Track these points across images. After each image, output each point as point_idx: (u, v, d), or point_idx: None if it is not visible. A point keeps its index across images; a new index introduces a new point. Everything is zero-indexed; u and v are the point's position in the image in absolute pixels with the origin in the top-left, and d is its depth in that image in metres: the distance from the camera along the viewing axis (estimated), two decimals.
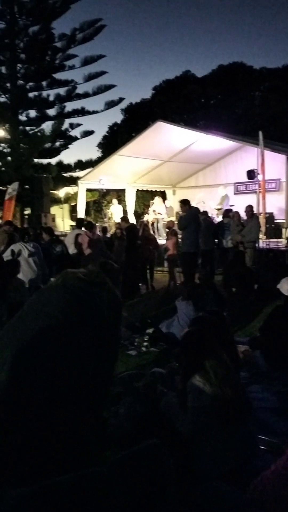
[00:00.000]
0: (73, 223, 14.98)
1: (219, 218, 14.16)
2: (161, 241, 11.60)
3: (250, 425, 2.57)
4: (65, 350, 1.85)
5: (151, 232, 11.49)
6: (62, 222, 19.03)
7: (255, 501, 1.31)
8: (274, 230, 12.90)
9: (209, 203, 15.49)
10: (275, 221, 13.35)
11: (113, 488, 1.13)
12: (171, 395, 2.87)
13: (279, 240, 12.53)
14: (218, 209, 14.26)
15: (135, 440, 1.90)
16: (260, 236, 10.68)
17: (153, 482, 1.18)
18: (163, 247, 10.42)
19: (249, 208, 10.02)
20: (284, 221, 12.74)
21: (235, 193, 16.31)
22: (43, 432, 1.83)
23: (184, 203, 8.99)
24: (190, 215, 8.82)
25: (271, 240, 11.82)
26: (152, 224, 13.95)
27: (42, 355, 1.84)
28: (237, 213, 10.70)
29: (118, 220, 15.91)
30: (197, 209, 9.58)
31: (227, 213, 11.56)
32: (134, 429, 2.66)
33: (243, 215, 10.41)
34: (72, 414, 1.89)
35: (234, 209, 12.82)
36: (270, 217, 13.01)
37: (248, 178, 12.48)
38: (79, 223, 9.93)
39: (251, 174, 12.19)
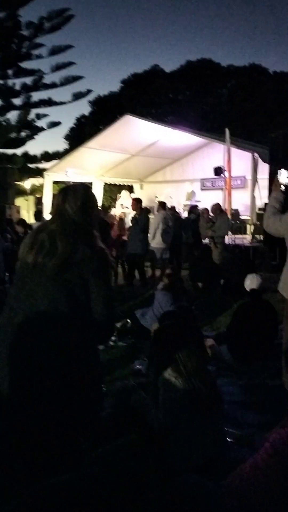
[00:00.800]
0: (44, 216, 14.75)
1: (185, 214, 14.33)
2: None
3: (220, 418, 2.62)
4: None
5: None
6: (28, 214, 18.71)
7: (233, 493, 1.35)
8: (239, 226, 13.15)
9: (177, 198, 15.63)
10: (240, 217, 13.61)
11: (93, 485, 1.13)
12: (140, 391, 2.89)
13: (244, 236, 12.79)
14: (186, 205, 14.41)
15: (107, 438, 1.91)
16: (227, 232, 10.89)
17: (133, 477, 1.19)
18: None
19: (217, 206, 10.17)
20: (249, 217, 13.01)
21: (201, 189, 16.50)
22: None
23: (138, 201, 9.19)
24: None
25: (237, 236, 12.04)
26: (120, 218, 13.89)
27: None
28: (206, 209, 10.83)
29: None
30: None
31: (193, 209, 11.70)
32: (105, 427, 2.66)
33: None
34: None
35: (201, 205, 12.98)
36: (235, 214, 13.25)
37: (215, 175, 12.65)
38: (38, 215, 9.88)
39: (217, 170, 12.36)
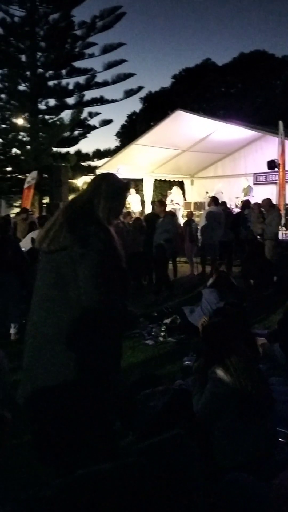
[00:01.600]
0: None
1: (237, 209, 14.05)
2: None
3: (271, 418, 2.55)
4: None
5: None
6: None
7: (282, 493, 1.31)
8: None
9: (229, 194, 15.36)
10: None
11: (139, 478, 1.14)
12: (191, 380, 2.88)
13: None
14: (243, 201, 14.09)
15: (154, 432, 1.92)
16: (280, 228, 10.55)
17: (179, 471, 1.19)
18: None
19: (268, 201, 9.85)
20: None
21: (254, 184, 16.09)
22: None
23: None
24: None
25: None
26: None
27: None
28: (257, 204, 10.57)
29: (136, 209, 15.94)
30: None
31: (247, 204, 11.43)
32: (153, 421, 2.68)
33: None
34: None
35: (254, 200, 12.68)
36: None
37: (269, 168, 12.30)
38: None
39: (271, 164, 12.01)
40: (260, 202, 10.41)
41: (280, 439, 2.82)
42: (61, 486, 1.15)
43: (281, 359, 4.32)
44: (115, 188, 2.19)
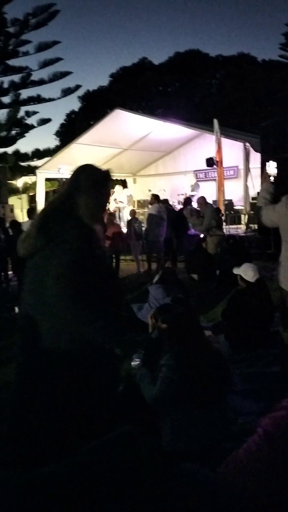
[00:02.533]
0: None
1: (180, 206, 14.32)
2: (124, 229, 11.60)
3: (226, 406, 2.64)
4: None
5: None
6: (21, 212, 18.65)
7: (228, 479, 1.37)
8: (233, 216, 13.17)
9: (170, 191, 15.61)
10: (234, 207, 13.62)
11: (89, 475, 1.16)
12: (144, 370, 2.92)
13: (239, 226, 12.81)
14: (192, 196, 14.34)
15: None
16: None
17: (127, 468, 1.21)
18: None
19: (202, 200, 10.09)
20: (243, 207, 13.03)
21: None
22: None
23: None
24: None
25: (231, 226, 12.06)
26: (114, 212, 13.88)
27: None
28: (187, 200, 10.86)
29: None
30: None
31: (189, 200, 11.66)
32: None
33: None
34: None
35: (197, 196, 12.98)
36: (229, 204, 13.26)
37: (207, 166, 12.64)
38: (30, 213, 9.90)
39: (209, 161, 12.35)
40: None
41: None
42: (17, 485, 1.15)
43: (226, 350, 4.48)
44: (95, 180, 2.05)
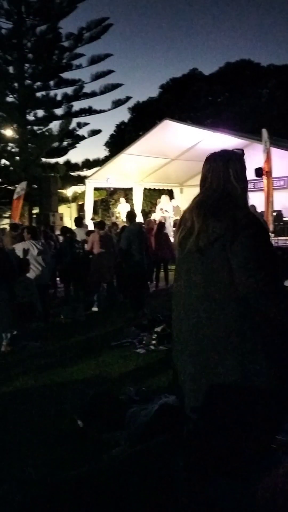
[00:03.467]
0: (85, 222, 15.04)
1: None
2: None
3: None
4: None
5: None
6: (70, 221, 19.11)
7: (267, 499, 1.32)
8: (282, 228, 12.84)
9: None
10: (284, 219, 13.29)
11: (124, 481, 1.15)
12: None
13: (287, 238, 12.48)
14: None
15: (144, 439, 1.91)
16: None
17: (163, 476, 1.19)
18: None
19: (253, 208, 9.94)
20: None
21: None
22: None
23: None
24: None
25: (280, 238, 11.76)
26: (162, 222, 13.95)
27: None
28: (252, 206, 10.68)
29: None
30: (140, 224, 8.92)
31: None
32: (142, 432, 2.68)
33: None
34: None
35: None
36: (278, 215, 12.95)
37: (256, 176, 12.42)
38: (78, 222, 10.11)
39: (258, 171, 12.13)
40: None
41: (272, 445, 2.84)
42: (53, 485, 1.16)
43: None
44: (240, 166, 2.05)
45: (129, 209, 16.74)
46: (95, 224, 9.12)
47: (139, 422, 2.82)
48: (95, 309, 8.06)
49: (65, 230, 9.31)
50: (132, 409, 3.19)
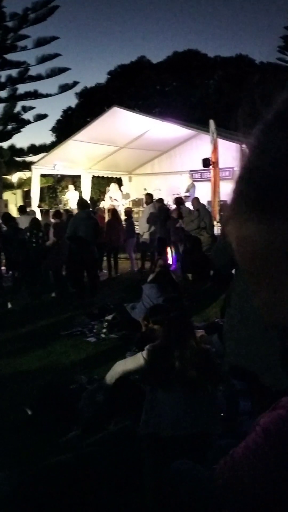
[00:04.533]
0: (31, 209, 14.63)
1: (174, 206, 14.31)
2: None
3: (208, 402, 2.67)
4: None
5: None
6: (15, 208, 18.58)
7: (225, 477, 1.38)
8: None
9: (167, 190, 15.62)
10: None
11: (90, 468, 1.17)
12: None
13: None
14: (187, 197, 14.33)
15: (97, 424, 1.93)
16: (215, 223, 10.95)
17: (127, 461, 1.23)
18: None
19: (195, 201, 10.22)
20: None
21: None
22: None
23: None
24: None
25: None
26: (109, 210, 13.93)
27: None
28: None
29: (74, 206, 15.79)
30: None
31: (181, 200, 11.71)
32: (96, 414, 2.71)
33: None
34: None
35: (191, 196, 13.00)
36: (224, 205, 13.27)
37: (203, 166, 12.66)
38: (22, 209, 9.90)
39: (205, 162, 12.36)
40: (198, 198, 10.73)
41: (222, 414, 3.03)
42: (23, 478, 1.16)
43: (220, 349, 4.50)
44: None
45: (77, 197, 16.58)
46: (54, 214, 8.94)
47: (95, 402, 2.85)
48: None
49: (8, 217, 9.00)
50: (84, 394, 3.20)
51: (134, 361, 2.65)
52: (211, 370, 2.72)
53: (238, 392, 3.25)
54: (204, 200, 14.12)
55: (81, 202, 7.97)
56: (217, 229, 10.88)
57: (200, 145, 15.51)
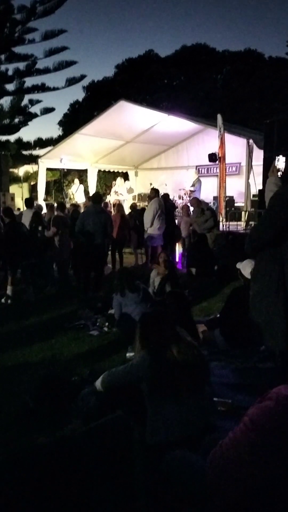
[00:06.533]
0: (38, 203, 14.65)
1: (180, 201, 14.29)
2: None
3: (202, 397, 2.67)
4: None
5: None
6: (22, 201, 18.63)
7: (215, 467, 1.40)
8: (234, 213, 13.16)
9: (173, 185, 15.58)
10: (235, 204, 13.60)
11: (82, 456, 1.18)
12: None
13: (239, 223, 12.79)
14: (192, 191, 14.27)
15: (99, 416, 1.94)
16: (220, 219, 10.92)
17: (120, 450, 1.24)
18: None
19: (195, 201, 10.16)
20: (243, 204, 13.01)
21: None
22: None
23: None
24: None
25: (231, 223, 12.05)
26: (115, 205, 13.93)
27: None
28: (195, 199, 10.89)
29: (80, 201, 15.80)
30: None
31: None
32: (97, 406, 2.73)
33: (205, 198, 10.56)
34: None
35: (196, 192, 12.97)
36: (230, 201, 13.23)
37: (210, 161, 12.60)
38: (28, 203, 9.85)
39: (212, 157, 12.30)
40: (204, 193, 10.69)
41: (220, 408, 3.02)
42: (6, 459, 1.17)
43: (221, 344, 4.51)
44: None
45: (83, 191, 16.59)
46: (58, 207, 8.96)
47: (93, 400, 2.87)
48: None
49: (8, 211, 8.94)
50: (86, 390, 3.23)
51: (126, 374, 2.61)
52: (204, 367, 2.73)
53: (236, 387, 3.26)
54: (210, 196, 14.08)
55: (94, 196, 8.06)
56: (222, 225, 10.86)
57: (207, 140, 15.44)
